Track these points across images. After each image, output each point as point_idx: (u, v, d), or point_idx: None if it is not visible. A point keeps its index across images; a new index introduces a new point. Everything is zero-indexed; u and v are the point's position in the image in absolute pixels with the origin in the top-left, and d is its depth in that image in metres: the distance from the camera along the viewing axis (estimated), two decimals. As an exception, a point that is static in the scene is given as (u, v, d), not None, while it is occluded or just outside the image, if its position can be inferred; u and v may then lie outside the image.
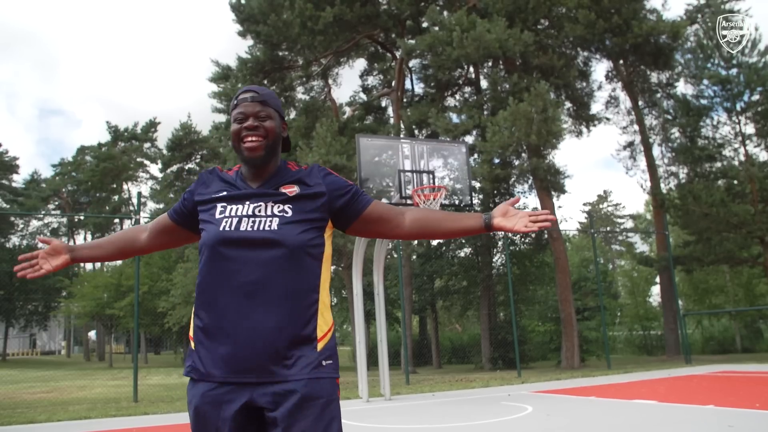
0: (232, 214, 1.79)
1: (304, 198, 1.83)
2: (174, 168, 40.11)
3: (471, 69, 23.16)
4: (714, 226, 19.53)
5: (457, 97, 24.91)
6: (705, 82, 21.19)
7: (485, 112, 20.48)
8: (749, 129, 20.77)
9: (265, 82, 23.92)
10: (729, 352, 27.67)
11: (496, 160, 19.33)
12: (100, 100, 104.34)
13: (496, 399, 10.21)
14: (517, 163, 20.99)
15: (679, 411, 7.58)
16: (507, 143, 16.89)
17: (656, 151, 24.55)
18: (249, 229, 1.75)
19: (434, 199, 9.88)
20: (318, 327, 1.76)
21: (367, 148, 10.27)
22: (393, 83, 24.57)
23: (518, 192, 24.06)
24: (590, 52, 22.36)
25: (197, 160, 39.81)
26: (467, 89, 24.82)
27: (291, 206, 1.81)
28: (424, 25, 21.79)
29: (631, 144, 25.82)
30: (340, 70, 26.86)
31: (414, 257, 26.54)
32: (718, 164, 21.06)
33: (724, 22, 20.73)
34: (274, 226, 1.75)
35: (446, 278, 27.50)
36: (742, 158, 20.58)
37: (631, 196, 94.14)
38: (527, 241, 25.18)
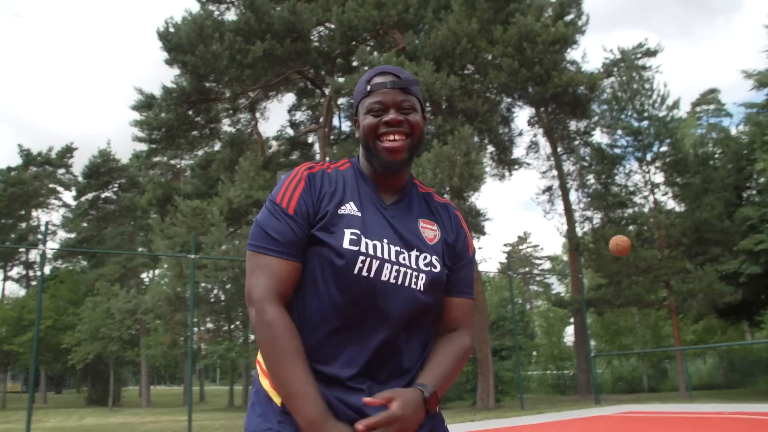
0: (370, 251, 1.38)
1: (444, 250, 1.52)
2: (89, 196, 38.58)
3: (398, 109, 23.51)
4: (624, 270, 20.33)
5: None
6: (619, 132, 22.28)
7: (410, 153, 20.75)
8: (658, 178, 21.92)
9: (190, 112, 23.52)
10: (637, 392, 28.66)
11: (420, 200, 19.55)
12: (10, 120, 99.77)
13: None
14: (439, 203, 21.32)
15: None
16: (430, 184, 17.15)
17: (573, 196, 25.56)
18: (392, 281, 1.39)
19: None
20: None
21: (291, 183, 10.17)
22: (321, 120, 24.64)
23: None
24: (513, 98, 23.20)
25: (114, 189, 38.50)
26: (394, 129, 25.16)
27: (438, 258, 1.48)
28: (354, 63, 22.07)
29: (549, 188, 26.80)
30: (268, 104, 26.79)
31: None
32: (630, 210, 22.06)
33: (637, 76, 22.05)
34: (420, 285, 1.42)
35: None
36: (651, 206, 21.64)
37: (550, 238, 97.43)
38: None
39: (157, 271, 36.71)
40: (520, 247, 57.27)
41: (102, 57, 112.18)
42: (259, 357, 1.45)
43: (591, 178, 23.61)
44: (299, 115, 28.56)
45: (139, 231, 35.64)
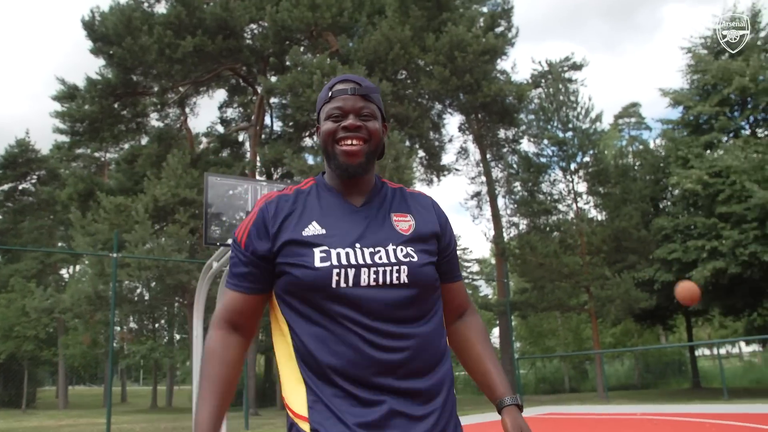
0: (342, 261, 1.39)
1: (423, 238, 1.51)
2: (5, 187, 36.76)
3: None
4: (548, 275, 20.95)
5: (315, 138, 25.13)
6: (545, 142, 22.93)
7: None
8: (581, 187, 22.68)
9: (116, 105, 22.81)
10: (558, 392, 29.60)
11: (349, 204, 19.59)
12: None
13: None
14: (369, 207, 21.37)
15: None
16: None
17: (500, 202, 26.12)
18: (373, 283, 1.39)
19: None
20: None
21: (217, 185, 10.00)
22: (252, 118, 24.33)
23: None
24: (444, 105, 23.55)
25: (33, 181, 36.85)
26: (325, 131, 25.05)
27: (413, 248, 1.47)
28: (288, 63, 21.92)
29: (478, 194, 27.30)
30: (199, 100, 26.24)
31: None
32: (554, 218, 22.73)
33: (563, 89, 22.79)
34: (404, 277, 1.42)
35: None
36: (574, 214, 22.38)
37: (479, 242, 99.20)
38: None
39: (77, 268, 35.40)
40: (450, 250, 57.98)
41: (19, 37, 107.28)
42: (284, 393, 1.47)
43: (518, 186, 24.18)
44: (230, 112, 28.14)
45: (59, 225, 34.25)
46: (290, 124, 23.69)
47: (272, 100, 23.79)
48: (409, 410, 1.36)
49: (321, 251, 1.39)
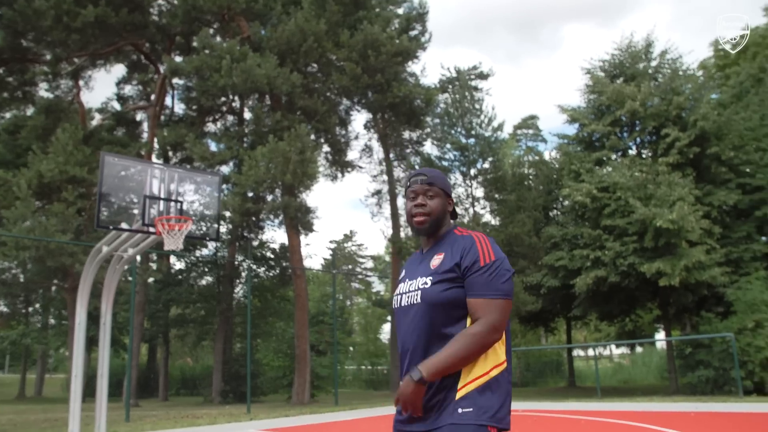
0: (400, 290, 2.16)
1: (444, 269, 2.04)
2: None
3: (236, 98, 22.94)
4: (442, 276, 21.37)
5: (219, 124, 24.39)
6: (448, 146, 23.46)
7: (245, 144, 20.36)
8: (479, 192, 23.39)
9: (0, 70, 21.17)
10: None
11: (250, 194, 19.24)
12: None
13: (220, 441, 9.93)
14: (269, 198, 21.06)
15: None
16: (262, 179, 16.92)
17: (400, 201, 26.43)
18: (404, 304, 2.10)
19: (179, 230, 9.46)
20: (461, 377, 1.94)
21: (112, 165, 9.52)
22: (152, 97, 23.32)
23: (268, 226, 24.16)
24: (352, 102, 23.54)
25: None
26: (230, 117, 24.48)
27: (432, 277, 2.05)
28: (195, 44, 21.17)
29: (379, 192, 27.47)
30: (95, 73, 24.78)
31: (151, 280, 25.05)
32: (451, 221, 23.26)
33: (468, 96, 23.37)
34: (417, 298, 2.05)
35: (183, 306, 26.43)
36: (471, 217, 23.04)
37: (374, 237, 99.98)
38: (271, 274, 25.31)
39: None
40: (346, 245, 58.23)
41: None
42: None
43: (418, 187, 24.48)
44: (129, 89, 26.68)
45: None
46: (194, 107, 22.85)
47: (175, 81, 22.88)
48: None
49: (399, 286, 2.19)
